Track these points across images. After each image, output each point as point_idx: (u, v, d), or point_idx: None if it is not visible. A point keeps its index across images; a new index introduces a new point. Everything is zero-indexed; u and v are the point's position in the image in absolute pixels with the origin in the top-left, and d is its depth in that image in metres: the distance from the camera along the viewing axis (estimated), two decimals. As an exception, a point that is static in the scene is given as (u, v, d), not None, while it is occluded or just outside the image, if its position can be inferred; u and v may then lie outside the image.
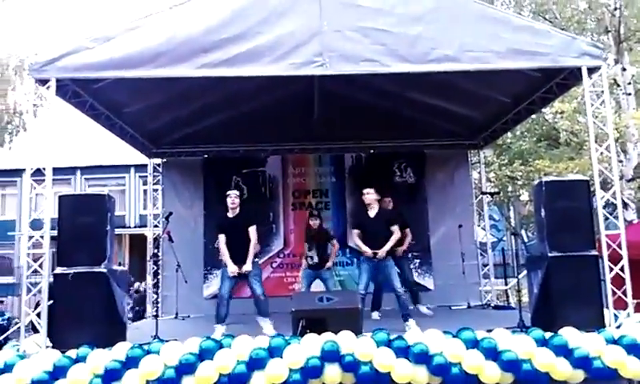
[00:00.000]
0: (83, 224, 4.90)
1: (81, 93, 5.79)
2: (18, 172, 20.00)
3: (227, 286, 5.74)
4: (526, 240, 18.56)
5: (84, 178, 21.92)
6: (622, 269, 5.06)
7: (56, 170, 5.12)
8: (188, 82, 5.83)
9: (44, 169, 5.04)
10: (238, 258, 5.74)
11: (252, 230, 5.85)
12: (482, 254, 8.68)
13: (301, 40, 5.08)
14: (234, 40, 5.06)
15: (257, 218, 6.19)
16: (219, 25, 5.09)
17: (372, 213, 5.92)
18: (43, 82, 5.08)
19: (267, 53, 5.06)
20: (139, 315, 10.77)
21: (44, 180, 5.02)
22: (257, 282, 5.80)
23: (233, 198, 5.93)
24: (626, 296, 5.02)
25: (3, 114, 19.10)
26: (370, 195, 5.91)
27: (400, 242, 6.40)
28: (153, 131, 7.98)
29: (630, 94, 11.33)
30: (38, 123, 5.64)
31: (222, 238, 5.88)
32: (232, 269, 5.68)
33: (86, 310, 4.70)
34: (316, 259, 6.76)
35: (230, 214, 5.96)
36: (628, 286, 5.02)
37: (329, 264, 6.84)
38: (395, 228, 5.88)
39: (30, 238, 5.08)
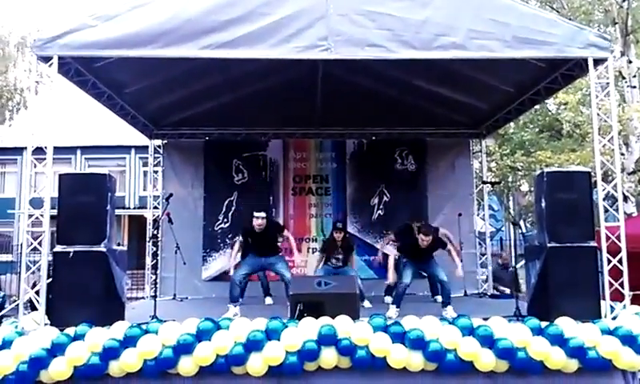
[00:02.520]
0: (83, 203, 4.88)
1: (83, 71, 5.74)
2: (19, 150, 19.99)
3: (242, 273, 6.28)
4: (524, 230, 18.59)
5: (84, 158, 21.90)
6: (620, 261, 5.07)
7: (56, 149, 5.09)
8: (190, 63, 5.79)
9: (45, 147, 5.01)
10: (264, 251, 6.35)
11: (287, 233, 6.65)
12: (480, 243, 8.70)
13: (306, 23, 5.01)
14: (237, 21, 5.00)
15: (282, 227, 6.88)
16: (223, 5, 5.02)
17: (424, 244, 5.98)
18: (45, 59, 5.03)
19: (271, 35, 5.00)
20: None
21: (44, 158, 5.00)
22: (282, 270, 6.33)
23: (260, 221, 6.22)
24: (623, 288, 5.04)
25: (4, 91, 19.02)
26: (429, 243, 5.94)
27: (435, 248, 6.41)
28: (154, 112, 7.94)
29: (634, 87, 11.25)
30: (39, 101, 5.59)
31: (239, 240, 6.39)
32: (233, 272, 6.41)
33: (85, 288, 4.70)
34: (340, 264, 6.91)
35: (257, 229, 6.28)
36: (625, 277, 5.04)
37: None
38: (450, 248, 6.17)
39: (30, 216, 5.08)
